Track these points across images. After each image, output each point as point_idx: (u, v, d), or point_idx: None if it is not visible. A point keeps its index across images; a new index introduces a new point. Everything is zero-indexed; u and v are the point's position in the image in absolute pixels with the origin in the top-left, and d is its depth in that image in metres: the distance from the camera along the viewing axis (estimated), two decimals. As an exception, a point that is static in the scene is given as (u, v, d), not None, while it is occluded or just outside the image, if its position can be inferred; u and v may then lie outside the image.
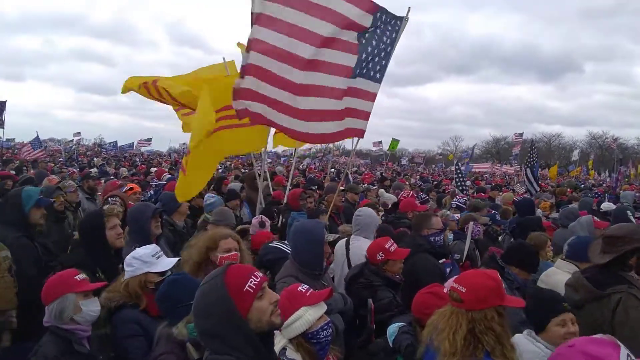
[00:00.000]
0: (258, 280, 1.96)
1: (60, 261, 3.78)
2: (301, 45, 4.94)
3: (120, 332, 3.02)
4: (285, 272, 3.76)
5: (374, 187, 12.31)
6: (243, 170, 19.59)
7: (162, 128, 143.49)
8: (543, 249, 5.04)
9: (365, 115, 5.65)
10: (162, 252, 3.26)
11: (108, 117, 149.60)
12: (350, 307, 3.74)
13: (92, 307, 2.85)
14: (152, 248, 3.23)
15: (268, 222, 5.50)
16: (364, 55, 5.38)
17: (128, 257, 3.21)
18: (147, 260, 3.13)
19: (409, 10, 5.63)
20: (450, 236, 5.61)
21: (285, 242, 4.59)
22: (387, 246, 4.09)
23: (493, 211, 7.26)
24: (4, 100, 17.11)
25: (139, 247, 3.45)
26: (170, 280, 2.83)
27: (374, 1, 5.35)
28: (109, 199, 5.80)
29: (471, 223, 5.55)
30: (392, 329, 3.10)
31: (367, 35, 5.38)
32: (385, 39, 5.55)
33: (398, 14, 5.64)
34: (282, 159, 37.22)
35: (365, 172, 27.19)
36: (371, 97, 5.64)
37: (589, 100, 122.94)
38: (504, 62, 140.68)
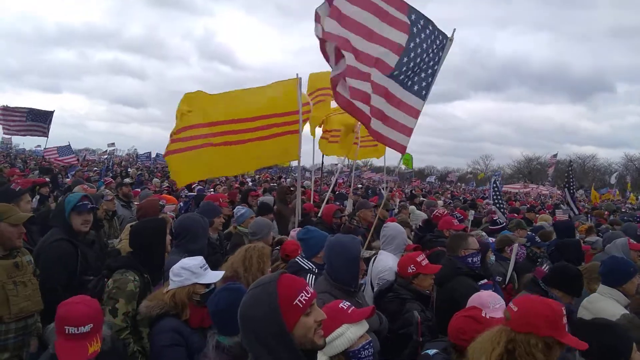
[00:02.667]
0: (309, 295, 1.90)
1: (108, 264, 3.78)
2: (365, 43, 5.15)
3: (159, 340, 3.02)
4: (319, 288, 3.69)
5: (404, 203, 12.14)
6: (272, 184, 19.71)
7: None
8: (596, 280, 4.65)
9: (409, 132, 5.56)
10: (207, 265, 3.27)
11: (141, 129, 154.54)
12: (385, 327, 3.65)
13: None
14: (199, 260, 3.24)
15: None
16: (405, 60, 5.31)
17: (176, 266, 3.21)
18: (196, 271, 3.14)
19: (454, 32, 5.57)
20: (493, 257, 5.44)
21: (302, 255, 4.55)
22: (419, 259, 4.06)
23: (531, 233, 7.04)
24: (52, 110, 17.63)
25: (188, 256, 3.49)
26: (231, 288, 2.79)
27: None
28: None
29: (516, 245, 5.40)
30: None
31: (408, 39, 5.35)
32: (431, 54, 5.49)
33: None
34: (307, 173, 37.26)
35: (394, 189, 26.94)
36: (414, 113, 5.54)
37: (621, 122, 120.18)
38: (533, 81, 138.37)
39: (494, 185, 10.34)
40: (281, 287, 1.86)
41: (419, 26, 5.37)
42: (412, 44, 5.32)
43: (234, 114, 6.30)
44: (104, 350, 2.74)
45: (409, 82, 5.42)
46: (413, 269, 4.03)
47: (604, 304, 4.05)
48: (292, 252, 4.83)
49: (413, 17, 5.36)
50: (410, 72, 5.38)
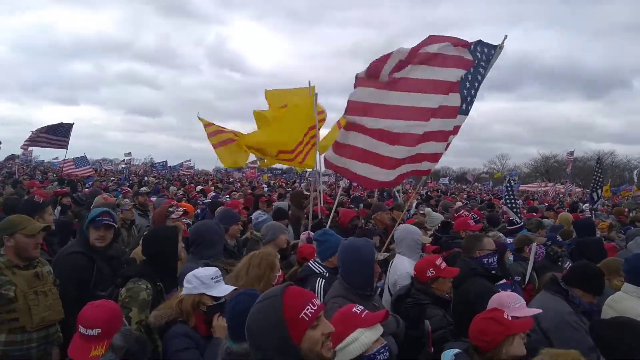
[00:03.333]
0: (315, 308, 1.88)
1: (122, 273, 3.80)
2: (400, 95, 5.45)
3: (172, 346, 3.02)
4: (335, 292, 3.67)
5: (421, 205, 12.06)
6: (287, 189, 19.74)
7: (207, 148, 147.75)
8: (615, 275, 4.69)
9: (436, 158, 5.71)
10: (221, 277, 3.24)
11: (157, 138, 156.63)
12: (402, 330, 3.60)
13: None
14: (213, 271, 3.21)
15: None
16: (464, 92, 5.47)
17: (190, 273, 3.22)
18: (206, 282, 3.12)
19: (505, 39, 5.58)
20: (511, 257, 5.36)
21: (316, 260, 4.54)
22: (437, 263, 4.00)
23: (551, 232, 6.94)
24: (72, 122, 17.94)
25: (203, 263, 3.49)
26: (250, 294, 2.72)
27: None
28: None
29: (534, 244, 5.32)
30: (447, 356, 2.94)
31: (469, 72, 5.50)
32: (481, 70, 5.58)
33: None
34: (324, 177, 37.25)
35: (409, 190, 26.78)
36: (445, 136, 5.64)
37: (639, 117, 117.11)
38: (547, 79, 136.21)
39: (508, 185, 10.20)
40: (287, 300, 1.86)
41: (476, 53, 5.51)
42: (469, 72, 5.50)
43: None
44: (133, 351, 2.84)
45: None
46: (432, 273, 3.97)
47: (630, 303, 3.97)
48: (309, 256, 4.83)
49: (471, 47, 5.52)
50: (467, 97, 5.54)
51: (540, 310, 3.24)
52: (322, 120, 8.04)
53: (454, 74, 5.40)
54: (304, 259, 4.94)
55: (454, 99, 5.42)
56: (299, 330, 1.82)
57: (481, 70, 5.58)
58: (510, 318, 2.84)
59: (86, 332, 2.68)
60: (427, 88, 5.42)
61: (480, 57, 5.54)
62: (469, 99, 5.56)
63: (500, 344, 2.70)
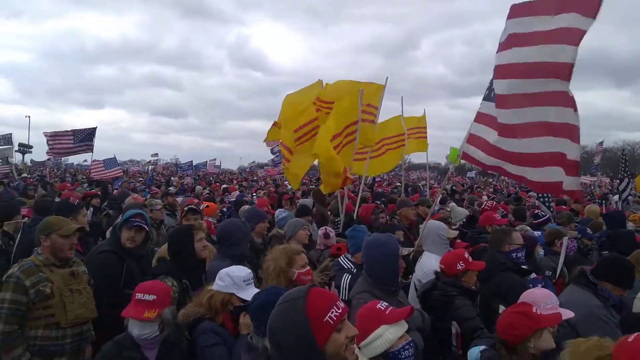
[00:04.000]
0: (340, 311, 1.84)
1: (150, 271, 3.93)
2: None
3: (202, 342, 3.09)
4: (359, 288, 3.69)
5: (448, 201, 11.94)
6: (310, 186, 19.79)
7: (230, 147, 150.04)
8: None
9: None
10: (252, 280, 3.28)
11: (181, 139, 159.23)
12: (428, 324, 3.60)
13: (134, 330, 2.99)
14: (247, 273, 3.25)
15: (332, 233, 5.87)
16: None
17: (222, 271, 3.27)
18: (238, 283, 3.17)
19: None
20: (541, 252, 5.27)
21: (347, 256, 4.71)
22: (466, 256, 4.00)
23: (581, 225, 6.79)
24: (95, 127, 18.43)
25: (231, 262, 3.58)
26: (275, 291, 2.74)
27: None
28: (189, 214, 6.03)
29: (566, 238, 5.20)
30: (474, 353, 2.91)
31: None
32: None
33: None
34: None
35: (435, 185, 26.52)
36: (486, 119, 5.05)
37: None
38: (575, 67, 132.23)
39: None
40: (310, 304, 1.81)
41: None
42: None
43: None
44: (170, 341, 3.11)
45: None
46: (462, 266, 3.95)
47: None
48: (343, 247, 5.07)
49: None
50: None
51: (572, 314, 3.17)
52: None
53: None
54: (338, 249, 5.15)
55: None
56: (324, 334, 1.79)
57: None
58: (539, 312, 2.81)
59: (143, 297, 3.01)
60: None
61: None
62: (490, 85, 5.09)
63: (529, 338, 2.67)
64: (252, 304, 2.76)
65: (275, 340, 1.84)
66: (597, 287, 3.79)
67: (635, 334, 1.97)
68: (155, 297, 3.02)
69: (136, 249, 4.44)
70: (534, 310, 2.83)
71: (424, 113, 12.76)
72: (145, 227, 4.44)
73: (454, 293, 3.87)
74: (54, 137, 18.08)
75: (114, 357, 2.94)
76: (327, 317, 1.80)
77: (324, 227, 6.02)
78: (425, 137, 12.38)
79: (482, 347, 2.91)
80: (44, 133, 18.40)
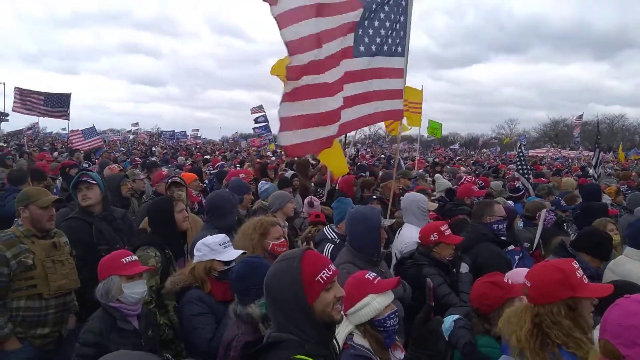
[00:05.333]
0: (330, 273, 2.00)
1: (132, 242, 3.98)
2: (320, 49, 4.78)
3: (188, 310, 3.14)
4: (343, 259, 3.75)
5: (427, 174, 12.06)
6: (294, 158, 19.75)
7: (212, 118, 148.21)
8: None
9: (398, 94, 5.40)
10: (230, 243, 3.35)
11: (162, 108, 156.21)
12: (409, 294, 3.71)
13: (134, 290, 3.03)
14: (221, 237, 3.33)
15: (317, 202, 6.03)
16: (371, 32, 5.14)
17: (198, 242, 3.33)
18: (215, 248, 3.23)
19: None
20: (520, 224, 5.40)
21: (332, 226, 4.84)
22: (442, 229, 4.10)
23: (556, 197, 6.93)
24: (69, 92, 17.81)
25: (218, 232, 3.60)
26: (248, 262, 2.89)
27: None
28: (173, 187, 5.98)
29: (544, 210, 5.31)
30: (448, 322, 3.01)
31: (369, 11, 5.10)
32: (396, 9, 5.30)
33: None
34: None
35: (418, 157, 26.73)
36: (398, 73, 5.39)
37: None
38: (554, 40, 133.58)
39: (519, 150, 10.16)
40: (305, 263, 1.97)
41: None
42: (367, 12, 5.10)
43: None
44: (144, 315, 3.16)
45: (383, 47, 5.24)
46: (435, 237, 4.06)
47: (631, 266, 3.98)
48: (321, 215, 5.54)
49: None
50: (378, 38, 5.20)
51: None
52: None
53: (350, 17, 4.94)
54: (317, 216, 5.49)
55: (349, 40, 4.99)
56: (314, 291, 1.94)
57: (396, 10, 5.27)
58: (510, 282, 2.89)
59: (127, 259, 3.09)
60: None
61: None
62: (398, 40, 5.31)
63: (501, 307, 2.75)
64: (230, 277, 2.86)
65: (270, 294, 2.00)
66: (576, 258, 3.90)
67: None
68: (137, 258, 3.18)
69: (104, 210, 4.46)
70: (505, 280, 2.92)
71: (422, 88, 12.74)
72: (94, 182, 4.41)
73: (424, 262, 4.02)
74: (22, 94, 17.45)
75: (109, 329, 2.93)
76: (318, 277, 1.96)
77: (309, 196, 6.16)
78: (420, 113, 12.38)
79: (456, 316, 3.00)
80: (15, 87, 17.74)
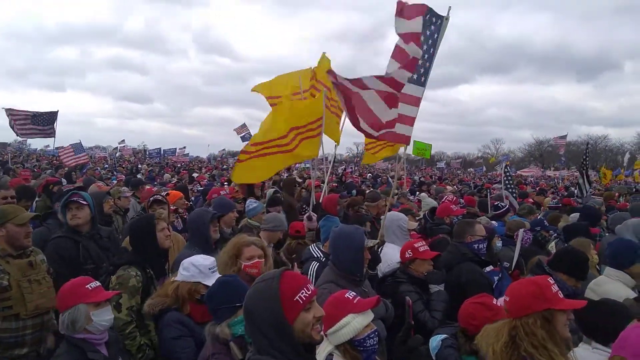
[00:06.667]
0: (309, 292, 2.00)
1: (113, 261, 3.91)
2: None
3: (167, 333, 3.11)
4: (325, 278, 3.75)
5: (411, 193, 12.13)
6: (281, 176, 19.75)
7: (200, 135, 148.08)
8: (587, 253, 4.78)
9: (411, 121, 5.57)
10: (216, 267, 3.33)
11: (148, 125, 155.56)
12: (391, 314, 3.72)
13: (103, 317, 2.87)
14: (211, 261, 3.30)
15: (315, 216, 6.15)
16: (420, 62, 5.32)
17: (186, 261, 3.29)
18: (204, 271, 3.21)
19: (449, 10, 5.50)
20: (499, 243, 5.44)
21: (318, 244, 4.88)
22: (416, 245, 4.23)
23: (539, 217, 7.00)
24: (56, 110, 17.79)
25: (199, 250, 3.59)
26: (222, 281, 2.87)
27: (421, 2, 5.31)
28: (155, 205, 5.94)
29: (521, 230, 5.35)
30: (435, 341, 3.03)
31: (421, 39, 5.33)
32: (430, 41, 5.50)
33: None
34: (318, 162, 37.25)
35: (404, 176, 26.85)
36: (416, 101, 5.54)
37: (631, 100, 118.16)
38: (538, 62, 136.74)
39: (506, 170, 10.32)
40: (283, 284, 1.97)
41: (427, 20, 5.36)
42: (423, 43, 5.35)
43: (280, 130, 7.58)
44: (112, 341, 2.99)
45: (415, 76, 5.42)
46: (410, 254, 4.21)
47: (611, 286, 4.06)
48: (301, 230, 5.68)
49: (427, 16, 5.34)
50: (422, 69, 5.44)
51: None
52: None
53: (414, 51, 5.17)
54: (297, 231, 5.63)
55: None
56: (293, 311, 1.94)
57: (430, 41, 5.48)
58: (499, 304, 2.93)
59: (91, 285, 2.89)
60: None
61: (431, 27, 5.46)
62: (422, 70, 5.50)
63: None
64: (205, 297, 2.84)
65: (250, 316, 1.99)
66: (552, 277, 3.94)
67: None
68: (99, 283, 3.01)
69: (92, 229, 4.49)
70: (494, 302, 2.97)
71: None
72: (83, 202, 4.42)
73: (402, 280, 4.13)
74: (12, 115, 17.37)
75: None
76: (297, 297, 1.96)
77: (309, 212, 6.34)
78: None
79: (443, 336, 3.02)
80: (3, 108, 17.63)
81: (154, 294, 3.40)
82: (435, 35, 5.53)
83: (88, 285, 2.88)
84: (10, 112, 17.30)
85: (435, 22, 5.49)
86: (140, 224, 4.14)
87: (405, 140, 5.63)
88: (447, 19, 5.53)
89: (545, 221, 6.71)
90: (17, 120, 17.30)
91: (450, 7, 5.52)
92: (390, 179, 13.58)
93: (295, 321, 1.94)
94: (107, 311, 2.90)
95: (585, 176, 11.59)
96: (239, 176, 7.80)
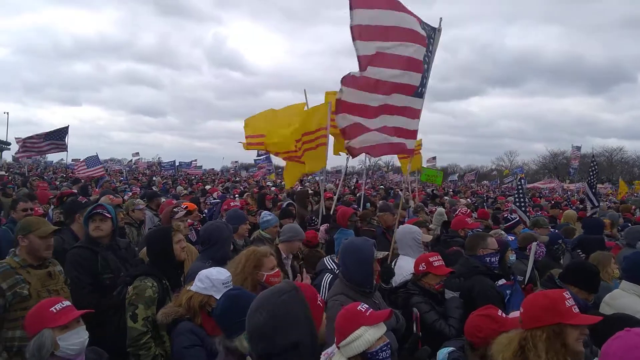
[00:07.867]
0: (321, 297, 2.10)
1: (130, 272, 3.99)
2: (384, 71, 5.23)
3: (179, 342, 3.14)
4: (336, 290, 3.77)
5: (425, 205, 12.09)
6: (294, 188, 19.81)
7: (212, 147, 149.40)
8: (607, 267, 4.82)
9: (413, 134, 5.66)
10: (231, 282, 3.32)
11: (162, 138, 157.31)
12: (402, 325, 3.71)
13: (72, 341, 2.67)
14: (226, 276, 3.28)
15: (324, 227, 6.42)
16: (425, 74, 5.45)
17: (204, 272, 3.30)
18: (217, 285, 3.21)
19: (440, 21, 5.63)
20: (512, 257, 5.41)
21: (332, 257, 4.92)
22: (431, 260, 4.21)
23: (554, 230, 6.95)
24: (67, 125, 18.28)
25: (213, 263, 3.66)
26: (231, 294, 2.86)
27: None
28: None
29: (534, 243, 5.30)
30: (442, 354, 3.02)
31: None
32: (427, 53, 5.56)
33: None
34: (330, 175, 37.34)
35: (416, 189, 26.72)
36: (417, 114, 5.63)
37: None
38: (549, 74, 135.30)
39: (519, 183, 10.28)
40: (305, 292, 2.00)
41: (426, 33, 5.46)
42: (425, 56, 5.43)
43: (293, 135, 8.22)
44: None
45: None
46: (423, 267, 4.19)
47: (627, 300, 4.01)
48: (312, 239, 5.99)
49: (422, 25, 5.45)
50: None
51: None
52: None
53: (421, 52, 5.36)
54: (307, 241, 5.79)
55: (415, 78, 5.42)
56: (319, 315, 2.01)
57: (427, 53, 5.53)
58: (504, 316, 2.93)
59: (57, 307, 2.71)
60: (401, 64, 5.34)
61: (427, 38, 5.51)
62: (424, 81, 5.56)
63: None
64: (214, 312, 2.84)
65: (280, 331, 1.88)
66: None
67: None
68: (69, 302, 2.81)
69: (111, 240, 4.57)
70: (499, 314, 2.96)
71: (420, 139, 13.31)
72: (108, 215, 4.53)
73: (414, 292, 4.13)
74: (23, 141, 17.89)
75: None
76: (318, 301, 2.03)
77: (325, 224, 6.55)
78: (420, 154, 12.98)
79: (451, 349, 3.01)
80: (15, 139, 18.29)
81: (168, 303, 3.45)
82: (430, 47, 5.59)
83: (53, 308, 2.69)
84: (23, 140, 17.82)
85: (430, 35, 5.56)
86: (157, 236, 4.21)
87: (410, 152, 5.77)
88: (439, 30, 5.63)
89: (561, 234, 6.66)
90: (31, 144, 17.77)
91: (441, 18, 5.70)
92: (400, 192, 13.53)
93: (321, 325, 2.01)
94: (76, 333, 2.70)
95: (593, 189, 11.43)
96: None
